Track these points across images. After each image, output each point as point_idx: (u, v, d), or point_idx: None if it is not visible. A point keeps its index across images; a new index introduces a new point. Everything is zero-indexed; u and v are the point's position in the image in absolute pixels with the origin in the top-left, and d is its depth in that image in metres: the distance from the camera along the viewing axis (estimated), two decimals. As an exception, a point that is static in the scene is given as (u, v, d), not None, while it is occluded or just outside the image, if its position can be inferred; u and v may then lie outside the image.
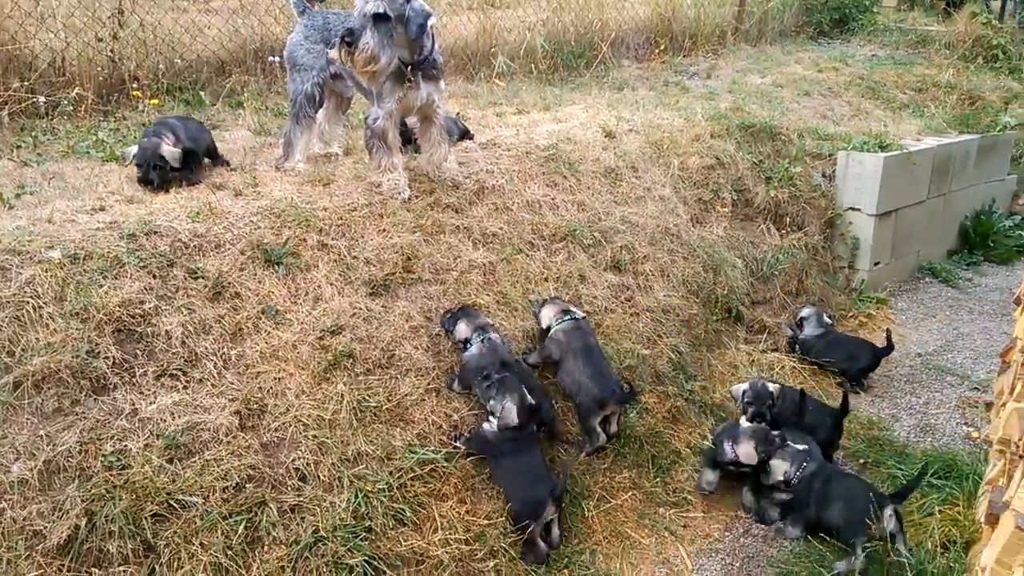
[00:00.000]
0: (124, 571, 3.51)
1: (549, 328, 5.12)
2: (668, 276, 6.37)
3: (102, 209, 4.69)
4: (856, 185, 8.09)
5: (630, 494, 5.06)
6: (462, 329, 4.85)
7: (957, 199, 9.39)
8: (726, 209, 7.30)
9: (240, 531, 3.80)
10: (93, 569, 3.47)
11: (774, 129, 8.16)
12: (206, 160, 5.72)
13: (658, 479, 5.21)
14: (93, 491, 3.57)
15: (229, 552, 3.73)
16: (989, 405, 6.15)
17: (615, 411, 5.04)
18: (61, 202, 4.80)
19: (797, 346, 6.77)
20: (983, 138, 9.57)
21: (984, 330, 7.84)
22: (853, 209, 8.18)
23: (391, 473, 4.31)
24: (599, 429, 5.01)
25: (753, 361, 6.40)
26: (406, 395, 4.66)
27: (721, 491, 5.24)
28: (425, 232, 5.38)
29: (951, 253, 9.67)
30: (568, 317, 5.10)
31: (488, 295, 5.33)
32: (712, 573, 4.65)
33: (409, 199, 5.48)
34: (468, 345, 4.80)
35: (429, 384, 4.78)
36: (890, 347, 6.57)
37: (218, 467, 3.89)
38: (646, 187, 6.83)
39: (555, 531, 4.49)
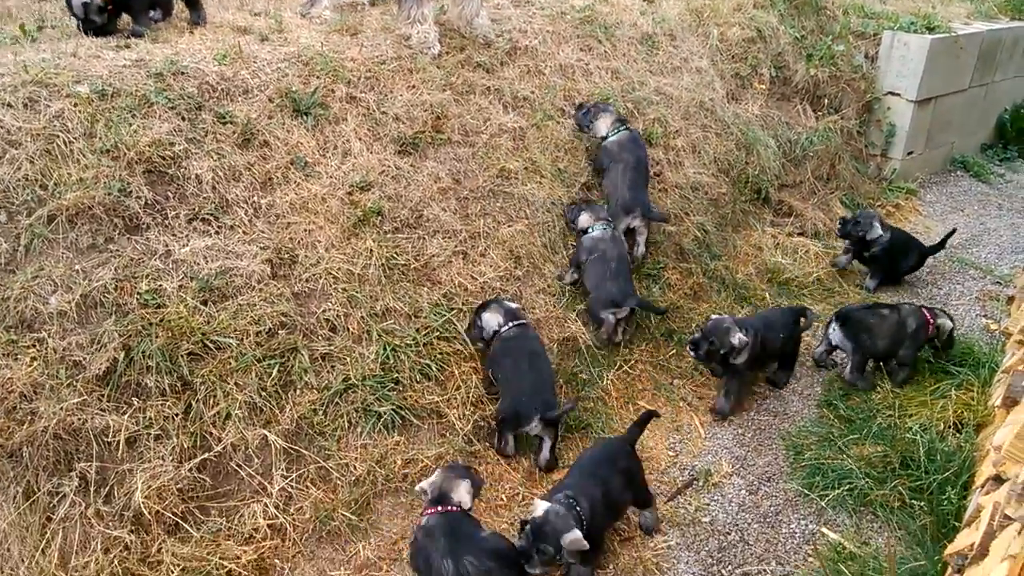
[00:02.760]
0: (163, 403, 3.62)
1: (585, 231, 5.11)
2: (699, 153, 6.22)
3: (127, 47, 4.53)
4: (899, 68, 7.77)
5: (648, 366, 5.15)
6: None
7: (999, 90, 9.05)
8: (763, 86, 7.05)
9: (274, 374, 3.89)
10: (133, 399, 3.57)
11: (819, 2, 7.75)
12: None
13: (674, 352, 5.28)
14: (130, 327, 3.63)
15: (263, 393, 3.84)
16: (1011, 299, 6.16)
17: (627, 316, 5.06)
18: (84, 37, 4.63)
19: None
20: (1034, 26, 9.10)
21: (1011, 226, 7.74)
22: (893, 94, 7.89)
23: (418, 330, 4.37)
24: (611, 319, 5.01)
25: (778, 244, 6.37)
26: (433, 256, 4.66)
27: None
28: (455, 91, 5.22)
29: (985, 148, 9.42)
30: (602, 226, 5.09)
31: (517, 160, 5.23)
32: (724, 441, 4.79)
33: (439, 55, 5.29)
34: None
35: (456, 247, 4.77)
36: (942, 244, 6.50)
37: (251, 312, 3.94)
38: (683, 57, 6.57)
39: (544, 454, 4.33)
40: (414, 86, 5.07)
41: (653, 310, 5.22)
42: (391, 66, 5.06)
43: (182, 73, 4.37)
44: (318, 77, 4.74)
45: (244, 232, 4.14)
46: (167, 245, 3.91)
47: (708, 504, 4.32)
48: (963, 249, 7.22)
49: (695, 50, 6.71)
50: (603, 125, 5.36)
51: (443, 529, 3.19)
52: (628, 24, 6.45)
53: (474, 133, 5.17)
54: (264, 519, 3.65)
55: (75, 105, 3.94)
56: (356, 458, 3.96)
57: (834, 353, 5.35)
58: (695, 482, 4.45)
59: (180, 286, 3.85)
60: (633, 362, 5.08)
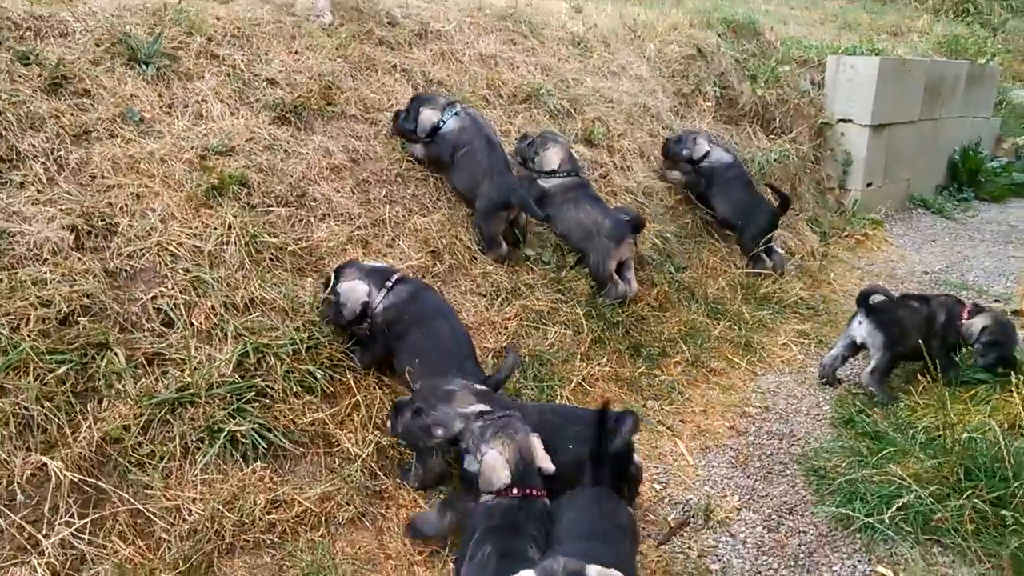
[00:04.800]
0: None
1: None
2: (648, 158, 5.36)
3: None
4: (848, 93, 7.23)
5: (611, 384, 3.97)
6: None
7: (946, 128, 8.63)
8: (709, 103, 6.33)
9: (66, 377, 2.60)
10: None
11: (757, 27, 7.26)
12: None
13: (643, 368, 4.14)
14: None
15: (46, 402, 2.52)
16: (1016, 312, 5.33)
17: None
18: None
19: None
20: (972, 65, 8.87)
21: (990, 253, 7.03)
22: (845, 120, 7.31)
23: (297, 329, 3.15)
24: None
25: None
26: (322, 240, 3.51)
27: (721, 389, 4.21)
28: (351, 64, 4.26)
29: (940, 189, 8.90)
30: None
31: (432, 142, 4.22)
32: (720, 469, 3.58)
33: (331, 25, 4.36)
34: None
35: (353, 232, 3.64)
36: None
37: (37, 290, 2.68)
38: (620, 64, 5.84)
39: None
40: (296, 52, 4.10)
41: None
42: (267, 29, 4.10)
43: (-28, 5, 3.31)
44: (167, 28, 3.72)
45: (38, 191, 2.94)
46: (-91, 197, 2.69)
47: (715, 547, 3.07)
48: (948, 273, 6.42)
49: (632, 60, 6.00)
50: (554, 158, 4.37)
51: None
52: (556, 26, 5.72)
53: (376, 110, 4.17)
54: (29, 594, 2.26)
55: None
56: (193, 499, 2.62)
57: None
58: (692, 520, 3.20)
59: (-77, 250, 2.60)
60: (593, 378, 3.89)
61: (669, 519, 3.19)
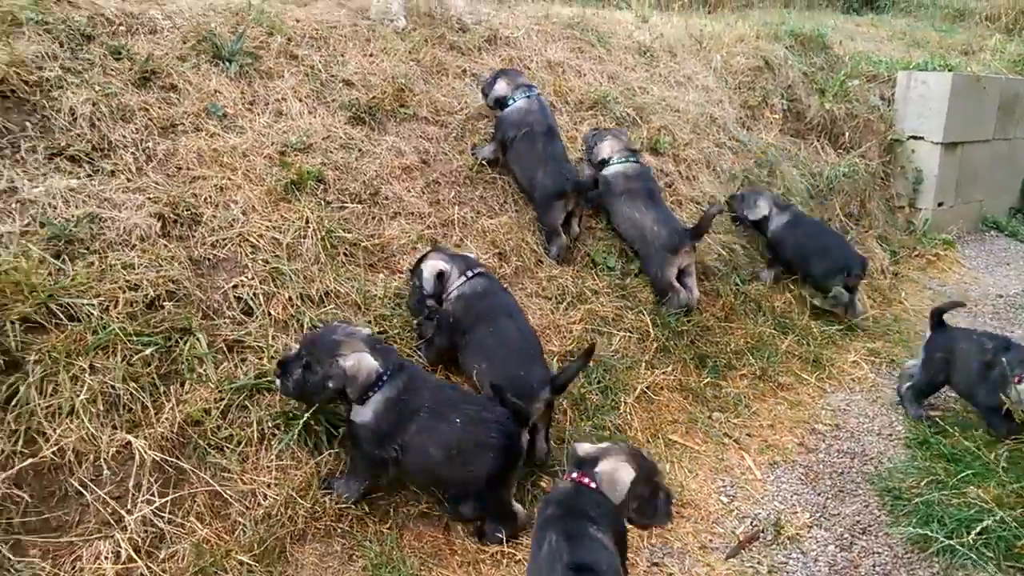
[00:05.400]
0: (-36, 387, 2.37)
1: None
2: (715, 169, 5.29)
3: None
4: (919, 109, 7.05)
5: (676, 393, 3.92)
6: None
7: (1021, 149, 8.35)
8: (776, 116, 6.25)
9: (152, 359, 2.66)
10: (-84, 376, 2.33)
11: (825, 40, 7.15)
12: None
13: (709, 379, 4.07)
14: (-68, 277, 2.45)
15: (132, 383, 2.59)
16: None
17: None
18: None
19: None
20: (1050, 85, 8.58)
21: (1069, 279, 6.75)
22: (915, 137, 7.12)
23: (369, 323, 3.19)
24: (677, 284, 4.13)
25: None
26: (393, 238, 3.55)
27: (789, 405, 4.12)
28: (423, 67, 4.32)
29: (1014, 212, 8.60)
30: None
31: (500, 145, 4.24)
32: (790, 485, 3.49)
33: (404, 30, 4.43)
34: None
35: (423, 231, 3.67)
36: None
37: (126, 274, 2.76)
38: (686, 74, 5.79)
39: (541, 443, 3.20)
40: (371, 55, 4.17)
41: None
42: (344, 31, 4.18)
43: (70, 2, 3.44)
44: (250, 27, 3.82)
45: (128, 179, 3.04)
46: (12, 182, 2.79)
47: (786, 563, 2.99)
48: (1023, 297, 6.19)
49: (698, 70, 5.95)
50: (606, 148, 4.39)
51: None
52: (623, 35, 5.71)
53: (447, 113, 4.22)
54: (113, 565, 2.31)
55: (-92, 7, 2.97)
56: (268, 484, 2.66)
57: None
58: (761, 535, 3.13)
59: (23, 231, 2.70)
60: (657, 387, 3.84)
61: (737, 532, 3.12)
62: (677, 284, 4.17)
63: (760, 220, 4.94)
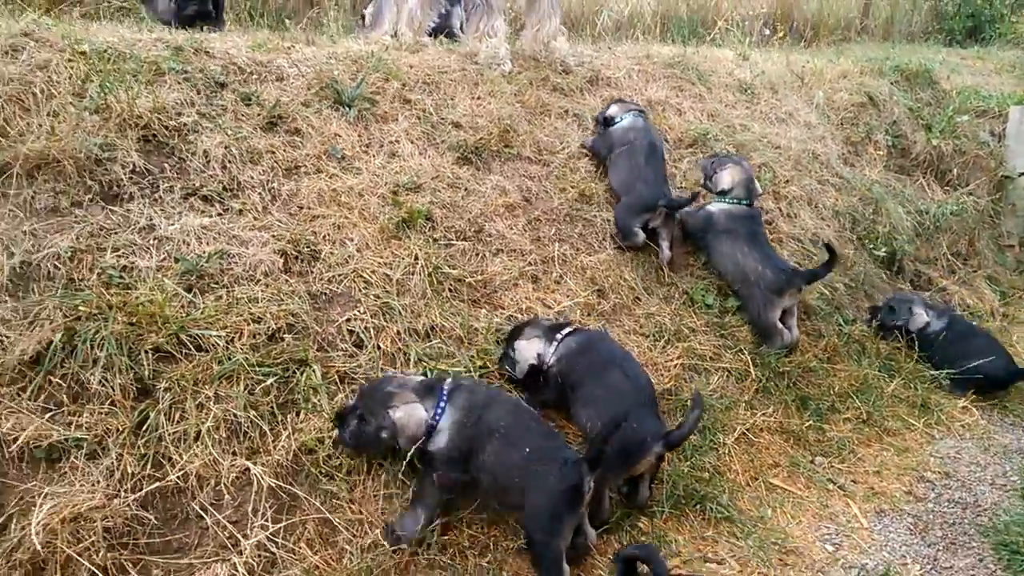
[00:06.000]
0: (108, 409, 2.57)
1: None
2: (816, 206, 5.20)
3: (150, 31, 3.95)
4: (1033, 145, 6.75)
5: (777, 436, 3.85)
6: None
7: None
8: (880, 152, 6.09)
9: (271, 388, 2.82)
10: (66, 399, 2.54)
11: (932, 75, 6.94)
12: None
13: (811, 422, 3.98)
14: (81, 307, 2.67)
15: (252, 411, 2.75)
16: None
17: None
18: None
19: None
20: None
21: None
22: (1029, 174, 6.81)
23: (472, 358, 3.28)
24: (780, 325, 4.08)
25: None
26: (495, 274, 3.65)
27: (896, 451, 3.98)
28: (527, 108, 4.44)
29: None
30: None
31: (598, 183, 4.31)
32: (899, 535, 3.37)
33: (510, 73, 4.57)
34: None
35: (524, 268, 3.76)
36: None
37: (250, 308, 2.95)
38: (787, 111, 5.73)
39: (644, 491, 3.18)
40: (479, 97, 4.31)
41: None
42: (454, 76, 4.35)
43: (206, 52, 3.71)
44: (368, 74, 4.03)
45: (255, 218, 3.24)
46: (151, 220, 3.03)
47: (896, 618, 2.88)
48: None
49: (799, 107, 5.88)
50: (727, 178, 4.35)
51: None
52: (723, 72, 5.71)
53: (549, 152, 4.31)
54: (230, 587, 2.44)
55: (68, 60, 3.27)
56: (376, 512, 2.76)
57: None
58: (869, 587, 3.03)
59: (159, 266, 2.92)
60: (757, 429, 3.79)
61: (844, 583, 3.04)
62: (781, 325, 4.11)
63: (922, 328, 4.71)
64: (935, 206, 6.08)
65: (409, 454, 2.74)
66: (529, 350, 3.26)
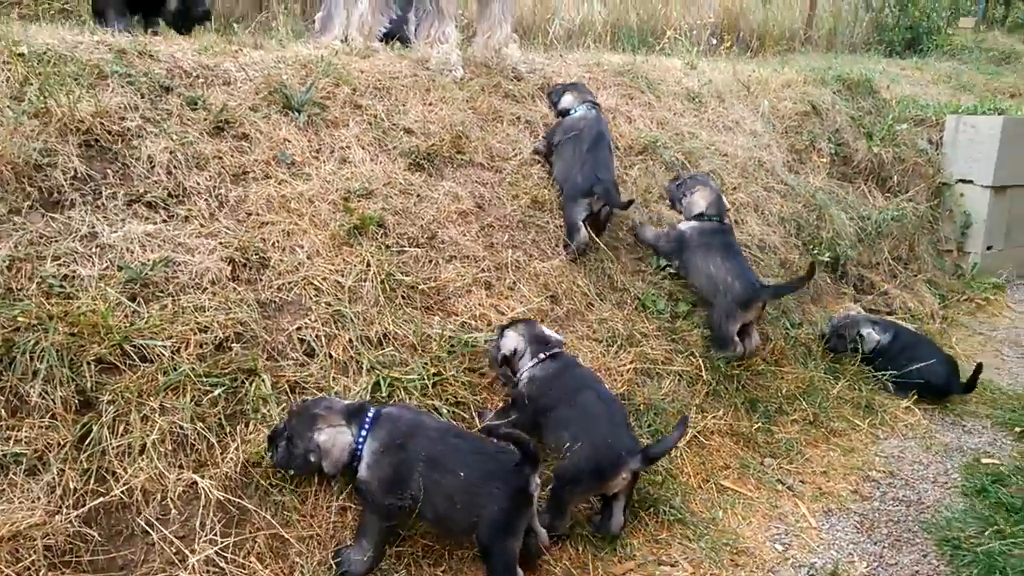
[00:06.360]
0: (48, 423, 2.49)
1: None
2: (763, 213, 5.32)
3: (92, 33, 3.84)
4: (968, 153, 7.01)
5: (727, 438, 3.92)
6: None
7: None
8: (824, 160, 6.26)
9: (218, 399, 2.76)
10: (3, 414, 2.44)
11: (873, 85, 7.17)
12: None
13: (760, 424, 4.06)
14: (19, 317, 2.58)
15: (200, 423, 2.69)
16: None
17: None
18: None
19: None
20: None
21: None
22: (964, 181, 7.07)
23: (425, 365, 3.26)
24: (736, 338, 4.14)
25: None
26: (448, 281, 3.63)
27: (842, 451, 4.09)
28: (479, 114, 4.44)
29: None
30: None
31: (551, 190, 4.33)
32: (845, 534, 3.46)
33: (462, 79, 4.57)
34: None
35: (478, 274, 3.75)
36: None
37: (197, 316, 2.88)
38: (734, 119, 5.85)
39: (619, 517, 3.17)
40: (431, 103, 4.30)
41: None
42: (405, 81, 4.33)
43: (150, 56, 3.63)
44: (318, 79, 3.98)
45: (201, 225, 3.17)
46: (93, 227, 2.94)
47: (844, 615, 2.95)
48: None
49: (746, 115, 6.01)
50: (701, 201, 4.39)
51: None
52: (672, 81, 5.80)
53: (501, 158, 4.32)
54: (177, 604, 2.38)
55: (5, 62, 3.16)
56: (327, 526, 2.72)
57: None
58: (817, 585, 3.10)
59: (102, 275, 2.83)
60: (708, 431, 3.85)
61: (793, 581, 3.10)
62: (737, 339, 4.15)
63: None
64: (876, 212, 6.27)
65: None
66: (510, 343, 3.26)
